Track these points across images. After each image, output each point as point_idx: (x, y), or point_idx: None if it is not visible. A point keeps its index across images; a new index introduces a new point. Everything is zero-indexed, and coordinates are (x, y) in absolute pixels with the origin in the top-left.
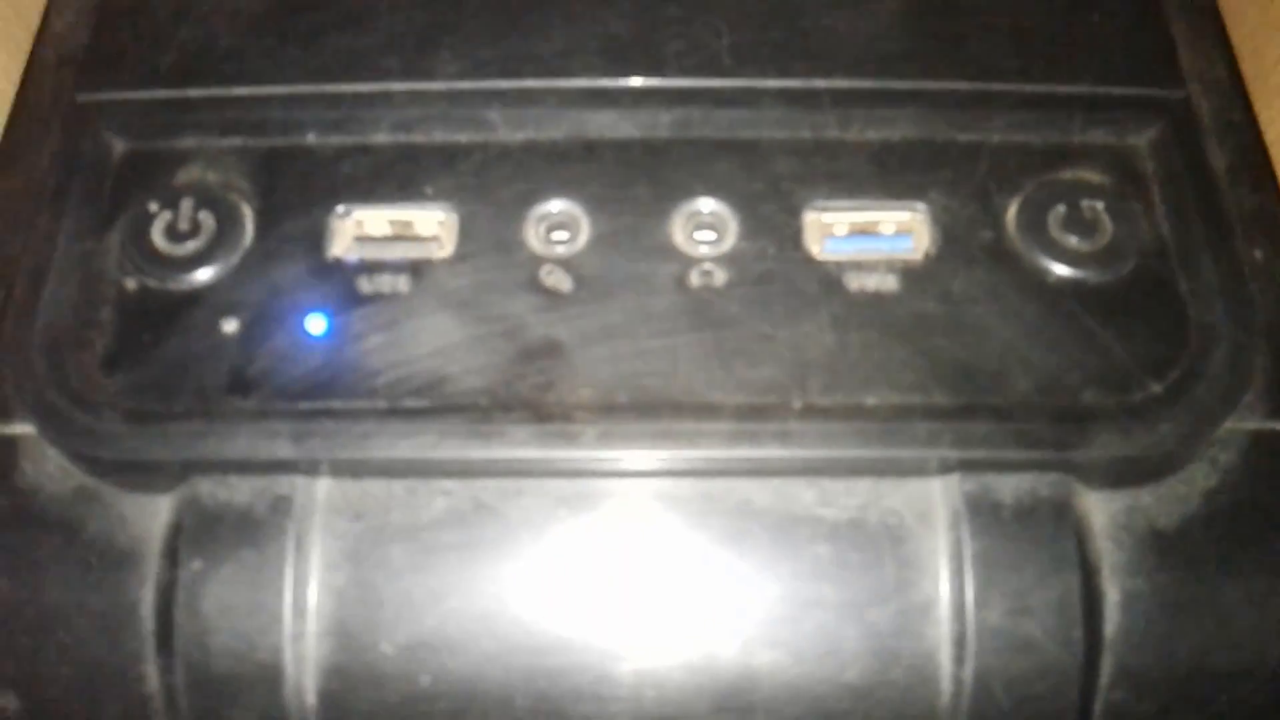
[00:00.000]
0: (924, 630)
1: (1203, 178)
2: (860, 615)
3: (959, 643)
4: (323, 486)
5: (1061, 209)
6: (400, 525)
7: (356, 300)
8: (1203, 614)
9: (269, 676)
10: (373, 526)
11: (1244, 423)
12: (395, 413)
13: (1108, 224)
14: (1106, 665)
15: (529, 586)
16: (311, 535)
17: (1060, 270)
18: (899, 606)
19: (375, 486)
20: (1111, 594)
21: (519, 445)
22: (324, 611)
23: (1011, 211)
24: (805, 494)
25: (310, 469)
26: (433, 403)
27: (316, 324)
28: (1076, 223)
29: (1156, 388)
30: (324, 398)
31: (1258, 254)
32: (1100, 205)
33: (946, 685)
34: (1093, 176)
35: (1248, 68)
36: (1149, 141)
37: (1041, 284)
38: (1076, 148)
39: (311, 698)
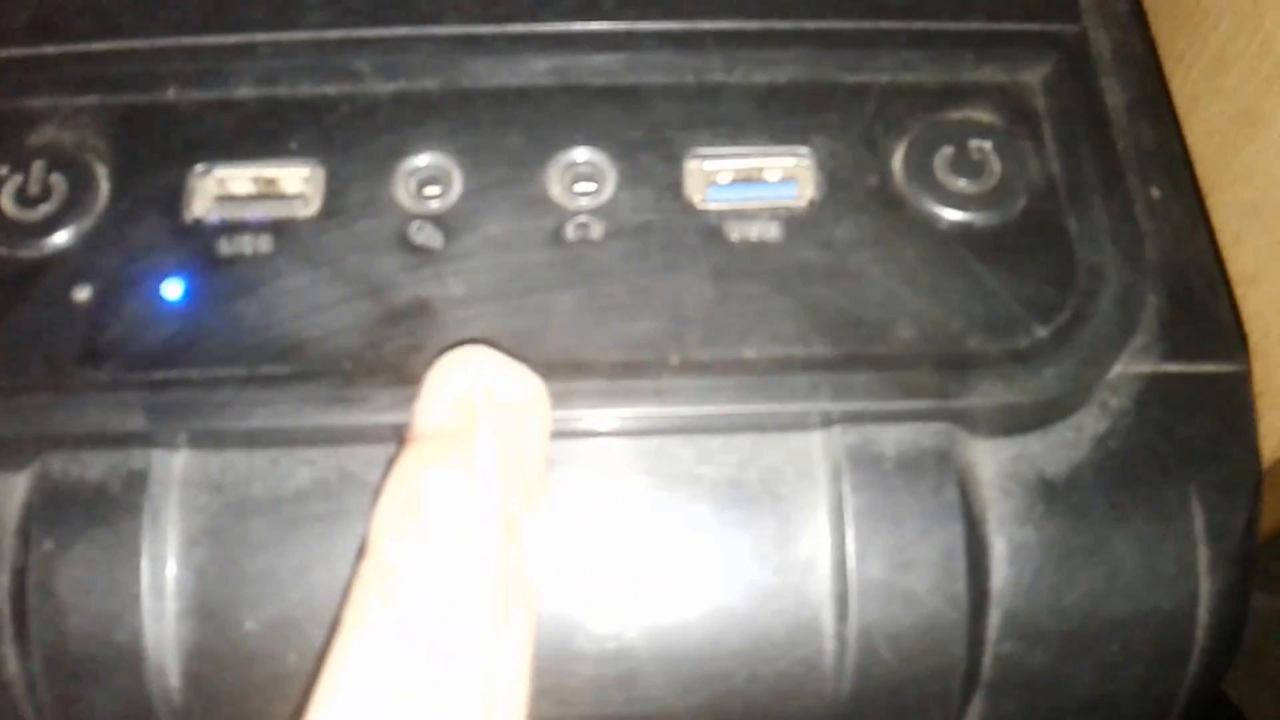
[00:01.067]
0: (806, 588)
1: (1097, 114)
2: (741, 574)
3: (841, 600)
4: (180, 459)
5: (949, 151)
6: (262, 497)
7: (216, 263)
8: (1092, 562)
9: (129, 659)
10: (233, 500)
11: (1135, 365)
12: (254, 380)
13: (996, 165)
14: (994, 618)
15: None
16: (169, 510)
17: (947, 214)
18: (779, 564)
19: (236, 458)
20: (998, 545)
21: (384, 410)
22: (184, 590)
23: (898, 155)
24: (683, 452)
25: (167, 441)
26: (293, 368)
27: (173, 289)
28: (964, 164)
29: (1042, 332)
30: (180, 366)
31: (1154, 191)
32: (989, 146)
33: (830, 643)
34: (982, 116)
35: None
36: (1042, 78)
37: (928, 228)
38: (967, 86)
39: (175, 679)
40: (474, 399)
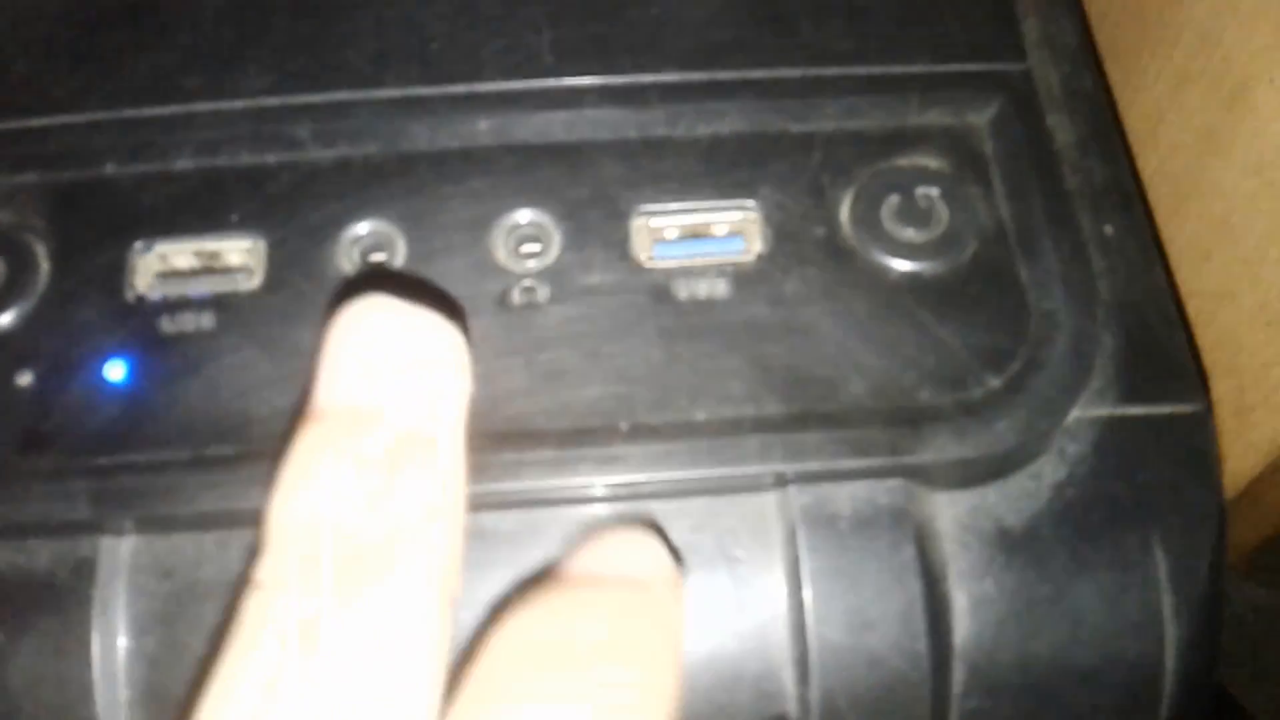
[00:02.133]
0: (766, 652)
1: (1045, 154)
2: (699, 640)
3: (801, 662)
4: (128, 545)
5: (895, 199)
6: (212, 580)
7: (159, 342)
8: (1055, 613)
9: None
10: (183, 584)
11: (1092, 410)
12: (200, 462)
13: (943, 212)
14: (958, 674)
15: None
16: (118, 597)
17: (895, 264)
18: (738, 628)
19: (184, 541)
20: (959, 599)
21: None
22: (136, 677)
23: (845, 204)
24: (637, 518)
25: (114, 527)
26: (239, 448)
27: (116, 371)
28: (911, 213)
29: (995, 382)
30: (125, 450)
31: (1108, 229)
32: (936, 192)
33: (793, 707)
34: (929, 162)
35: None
36: (989, 120)
37: (876, 280)
38: (913, 131)
39: None
40: (383, 364)
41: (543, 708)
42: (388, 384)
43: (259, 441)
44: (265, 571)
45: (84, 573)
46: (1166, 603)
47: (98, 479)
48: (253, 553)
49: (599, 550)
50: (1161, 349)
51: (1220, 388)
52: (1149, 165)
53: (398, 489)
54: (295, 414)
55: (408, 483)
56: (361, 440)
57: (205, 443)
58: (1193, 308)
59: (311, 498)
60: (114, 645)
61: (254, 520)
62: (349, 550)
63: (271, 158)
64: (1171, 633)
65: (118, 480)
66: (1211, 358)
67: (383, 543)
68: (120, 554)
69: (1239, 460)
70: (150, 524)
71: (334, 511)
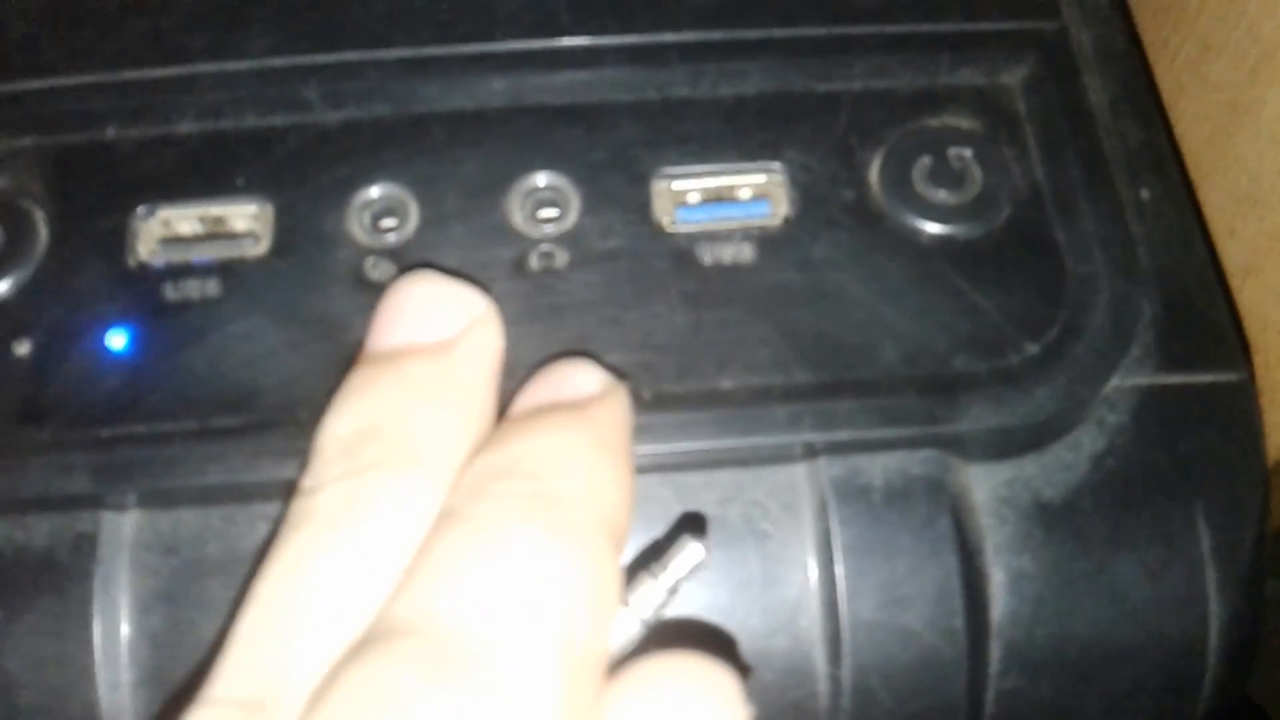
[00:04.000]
0: (796, 629)
1: (1081, 115)
2: (726, 618)
3: (833, 640)
4: (130, 520)
5: (927, 160)
6: (218, 557)
7: (162, 310)
8: (1095, 589)
9: None
10: (188, 561)
11: (1132, 379)
12: (205, 433)
13: (977, 173)
14: (995, 652)
15: None
16: (120, 575)
17: (927, 227)
18: (767, 605)
19: (189, 516)
20: (996, 575)
21: None
22: (139, 658)
23: (875, 166)
24: (661, 490)
25: (116, 502)
26: (246, 419)
27: (117, 340)
28: (944, 174)
29: (1033, 348)
30: (127, 422)
31: (1144, 193)
32: (969, 153)
33: (823, 687)
34: (961, 122)
35: None
36: (1021, 79)
37: (908, 243)
38: (944, 91)
39: None
40: (428, 317)
41: (489, 521)
42: (432, 330)
43: (267, 412)
44: (309, 479)
45: (85, 549)
46: (1210, 578)
47: (99, 451)
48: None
49: (537, 387)
50: (1202, 315)
51: None
52: None
53: (430, 403)
54: (304, 381)
55: (438, 397)
56: (404, 371)
57: (210, 413)
58: None
59: (355, 418)
60: (116, 625)
61: (262, 493)
62: (385, 452)
63: (278, 120)
64: (1215, 609)
65: (119, 452)
66: None
67: (413, 443)
68: (122, 529)
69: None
70: (153, 498)
71: (374, 426)
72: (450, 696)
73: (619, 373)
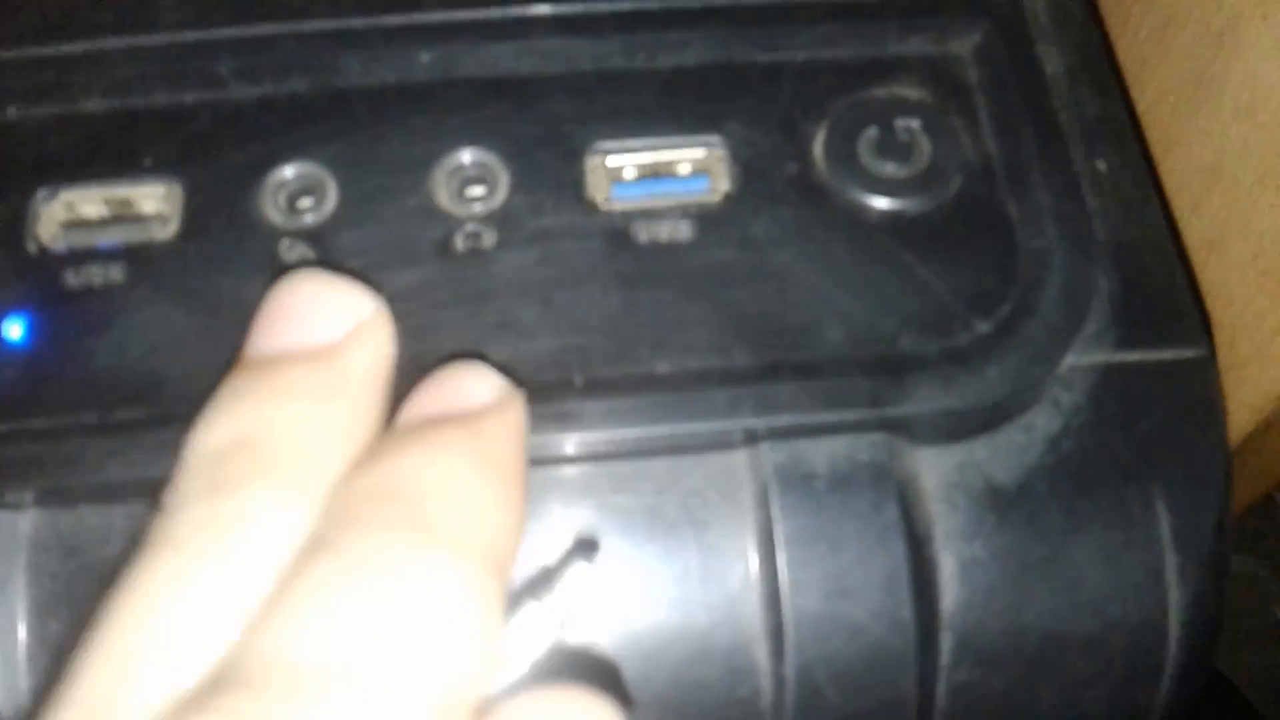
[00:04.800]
0: (737, 624)
1: (1034, 85)
2: (664, 613)
3: (776, 635)
4: (28, 520)
5: (874, 132)
6: (122, 558)
7: (63, 297)
8: (1051, 577)
9: None
10: (89, 562)
11: (1088, 357)
12: (107, 427)
13: (926, 145)
14: (946, 643)
15: None
16: (16, 578)
17: (874, 202)
18: (706, 599)
19: (90, 515)
20: (946, 564)
21: None
22: (38, 665)
23: (819, 139)
24: (595, 480)
25: (12, 501)
26: (151, 411)
27: (14, 329)
28: (891, 146)
29: (984, 327)
30: (23, 416)
31: (1100, 164)
32: (917, 124)
33: (767, 683)
34: (909, 92)
35: None
36: (973, 48)
37: (854, 219)
38: (892, 61)
39: None
40: (310, 318)
41: (361, 553)
42: (314, 333)
43: (173, 404)
44: (170, 495)
45: None
46: (1170, 563)
47: None
48: None
49: (424, 396)
50: (1160, 290)
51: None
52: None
53: (308, 414)
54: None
55: (318, 408)
56: (281, 377)
57: (113, 406)
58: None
59: (224, 429)
60: (13, 629)
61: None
62: (254, 466)
63: (189, 97)
64: (1175, 595)
65: (15, 448)
66: None
67: (287, 458)
68: (19, 530)
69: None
70: (52, 496)
71: (244, 438)
72: None
73: (517, 378)
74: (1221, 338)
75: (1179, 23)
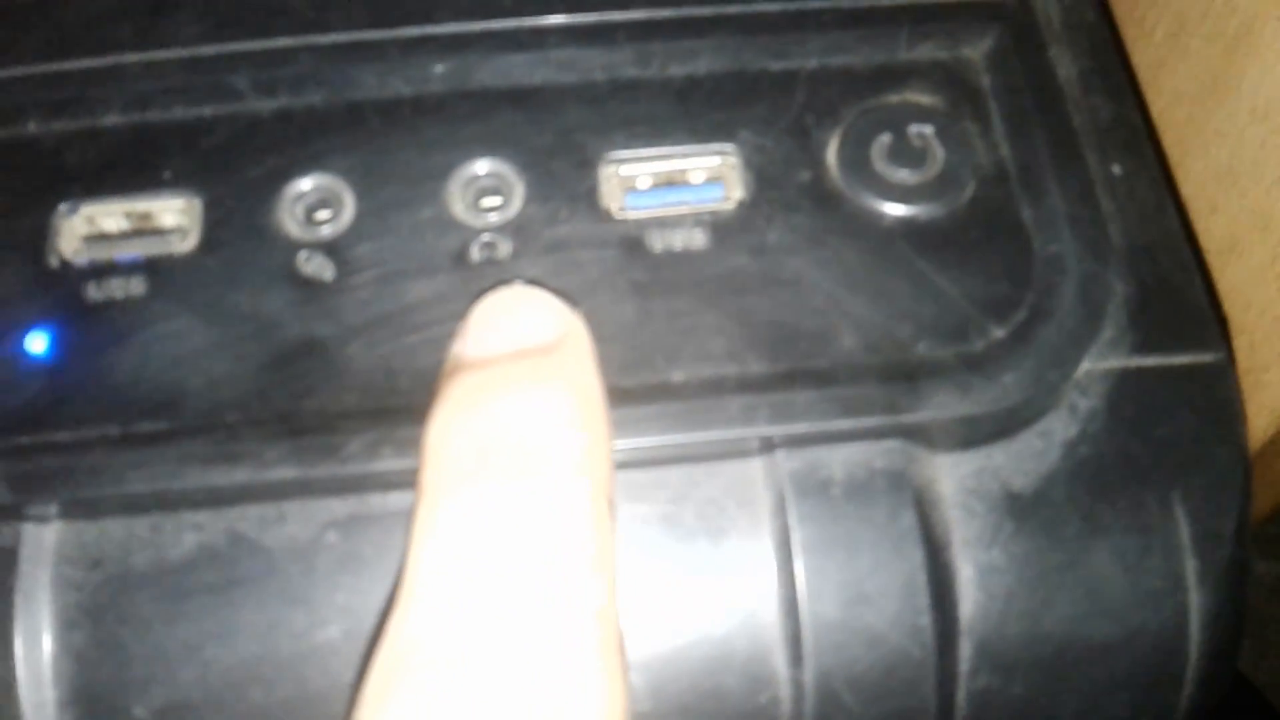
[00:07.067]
0: (755, 632)
1: (1047, 89)
2: (682, 621)
3: (794, 642)
4: (52, 532)
5: (887, 138)
6: (145, 569)
7: (85, 310)
8: (1070, 583)
9: None
10: (113, 574)
11: (1105, 362)
12: (129, 440)
13: (939, 151)
14: (965, 651)
15: (299, 626)
16: (42, 589)
17: (888, 208)
18: (723, 607)
19: (113, 527)
20: (964, 570)
21: (274, 465)
22: (63, 676)
23: (832, 146)
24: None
25: (37, 513)
26: (172, 424)
27: (37, 343)
28: (904, 153)
29: (999, 333)
30: (47, 429)
31: (1115, 168)
32: (930, 130)
33: (785, 690)
34: (922, 98)
35: None
36: (985, 53)
37: (868, 226)
38: (904, 67)
39: None
40: (525, 327)
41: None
42: (529, 336)
43: (194, 416)
44: (430, 490)
45: (4, 563)
46: (1190, 568)
47: (17, 460)
48: None
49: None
50: (1177, 294)
51: None
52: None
53: (547, 403)
54: (233, 382)
55: (556, 396)
56: (512, 370)
57: (135, 418)
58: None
59: (466, 420)
60: (39, 641)
61: (190, 501)
62: (503, 454)
63: (207, 110)
64: (1195, 601)
65: (40, 461)
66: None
67: (537, 449)
68: (44, 542)
69: (1249, 423)
70: (75, 508)
71: (495, 430)
72: None
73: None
74: (1240, 341)
75: (1193, 26)
